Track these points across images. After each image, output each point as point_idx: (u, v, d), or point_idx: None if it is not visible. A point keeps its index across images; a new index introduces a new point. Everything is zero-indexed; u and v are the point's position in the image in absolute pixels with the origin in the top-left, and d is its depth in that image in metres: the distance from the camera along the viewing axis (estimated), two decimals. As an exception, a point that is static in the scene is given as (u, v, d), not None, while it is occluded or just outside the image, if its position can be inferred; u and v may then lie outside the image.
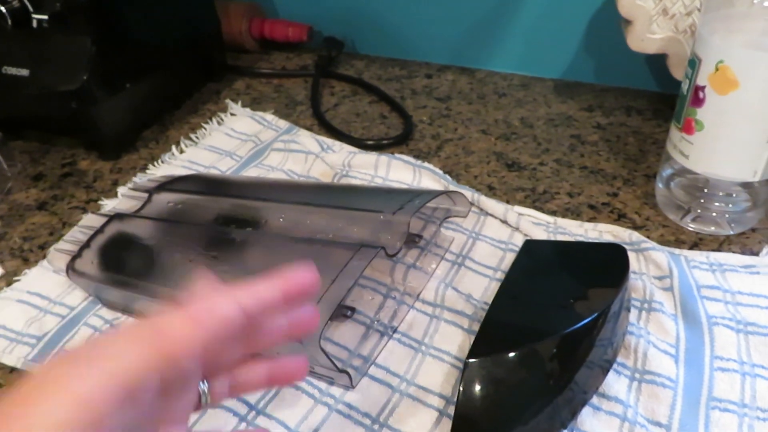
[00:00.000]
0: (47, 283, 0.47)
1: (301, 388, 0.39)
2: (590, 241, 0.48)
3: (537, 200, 0.54)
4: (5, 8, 0.54)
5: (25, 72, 0.57)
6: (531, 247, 0.45)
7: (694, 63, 0.44)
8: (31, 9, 0.55)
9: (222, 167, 0.59)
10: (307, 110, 0.68)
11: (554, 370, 0.35)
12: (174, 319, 0.24)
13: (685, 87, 0.46)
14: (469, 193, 0.52)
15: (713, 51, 0.42)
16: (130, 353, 0.22)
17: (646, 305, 0.42)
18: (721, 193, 0.48)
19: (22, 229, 0.53)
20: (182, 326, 0.24)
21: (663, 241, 0.48)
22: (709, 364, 0.39)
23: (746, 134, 0.44)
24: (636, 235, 0.48)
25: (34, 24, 0.56)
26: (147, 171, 0.59)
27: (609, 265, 0.42)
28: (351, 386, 0.38)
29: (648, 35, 0.55)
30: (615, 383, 0.38)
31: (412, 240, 0.47)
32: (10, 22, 0.55)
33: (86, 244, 0.44)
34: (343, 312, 0.42)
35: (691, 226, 0.50)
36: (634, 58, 0.64)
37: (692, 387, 0.37)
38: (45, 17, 0.55)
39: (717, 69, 0.42)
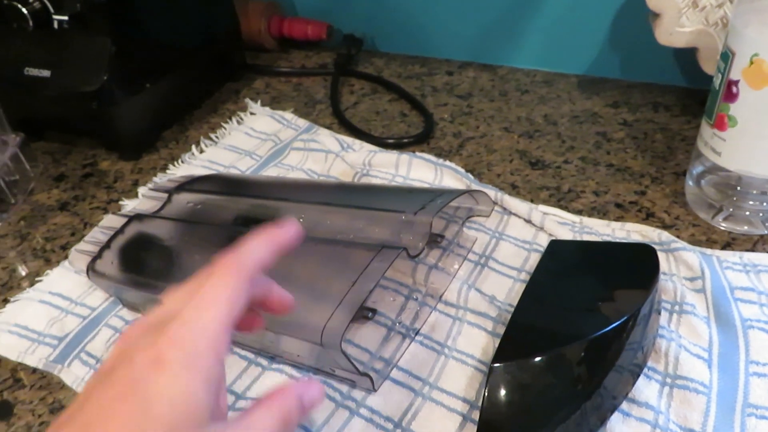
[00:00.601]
0: (69, 283, 0.47)
1: (321, 392, 0.38)
2: (618, 241, 0.46)
3: (562, 199, 0.52)
4: (26, 9, 0.55)
5: (46, 73, 0.57)
6: (556, 247, 0.44)
7: (727, 56, 0.43)
8: (52, 10, 0.55)
9: (242, 167, 0.58)
10: (326, 109, 0.67)
11: (582, 374, 0.34)
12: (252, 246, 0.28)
13: (717, 82, 0.44)
14: (492, 192, 0.51)
15: (747, 44, 0.41)
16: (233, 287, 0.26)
17: (677, 307, 0.41)
18: (754, 191, 0.46)
19: (44, 229, 0.53)
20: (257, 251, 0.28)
21: (694, 241, 0.47)
22: (744, 369, 0.37)
23: (782, 130, 0.42)
24: (665, 235, 0.46)
25: (55, 25, 0.56)
26: (167, 171, 0.59)
27: (638, 266, 0.41)
28: (373, 389, 0.37)
29: (677, 28, 0.54)
30: (645, 388, 0.36)
31: (434, 240, 0.46)
32: (31, 23, 0.55)
33: (106, 245, 0.44)
34: (364, 313, 0.42)
35: (723, 226, 0.48)
36: (661, 53, 0.62)
37: (727, 393, 0.36)
38: (65, 18, 0.55)
39: (751, 63, 0.41)
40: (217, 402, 0.26)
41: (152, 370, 0.23)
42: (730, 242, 0.47)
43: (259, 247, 0.28)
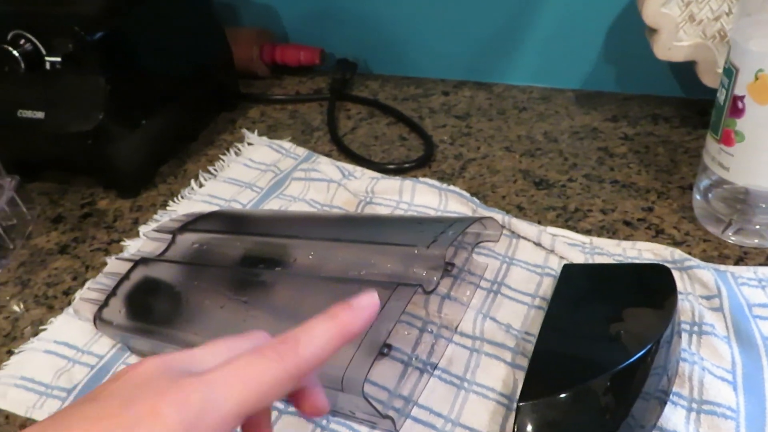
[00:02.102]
0: (74, 331, 0.46)
1: (342, 434, 0.37)
2: (631, 261, 0.46)
3: (569, 219, 0.52)
4: (17, 52, 0.54)
5: (40, 114, 0.57)
6: (571, 272, 0.43)
7: (730, 72, 0.42)
8: (43, 51, 0.55)
9: (243, 200, 0.58)
10: (324, 135, 0.67)
11: (609, 406, 0.33)
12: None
13: (721, 97, 0.44)
14: (499, 216, 0.51)
15: (751, 59, 0.41)
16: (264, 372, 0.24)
17: (696, 328, 0.40)
18: (763, 204, 0.46)
19: (44, 274, 0.52)
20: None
21: (706, 257, 0.46)
22: (770, 390, 0.37)
23: (791, 144, 0.42)
24: (678, 253, 0.46)
25: (47, 66, 0.55)
26: (167, 207, 0.58)
27: (655, 288, 0.40)
28: (395, 431, 0.36)
29: (675, 43, 0.54)
30: (672, 415, 0.36)
31: (445, 269, 0.46)
32: (23, 65, 0.54)
33: (112, 292, 0.43)
34: (380, 350, 0.41)
35: (733, 240, 0.48)
36: (657, 64, 0.62)
37: (755, 417, 0.35)
38: (58, 59, 0.54)
39: (756, 78, 0.40)
40: None
41: (146, 419, 0.21)
42: (742, 257, 0.46)
43: (324, 338, 0.25)
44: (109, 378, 0.25)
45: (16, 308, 0.49)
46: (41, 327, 0.47)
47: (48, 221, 0.58)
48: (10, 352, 0.45)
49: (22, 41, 0.54)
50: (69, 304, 0.48)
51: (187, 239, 0.47)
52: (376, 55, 0.77)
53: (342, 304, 0.26)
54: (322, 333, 0.25)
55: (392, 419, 0.35)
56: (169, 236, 0.47)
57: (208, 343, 0.25)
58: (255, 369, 0.23)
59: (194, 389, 0.22)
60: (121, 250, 0.53)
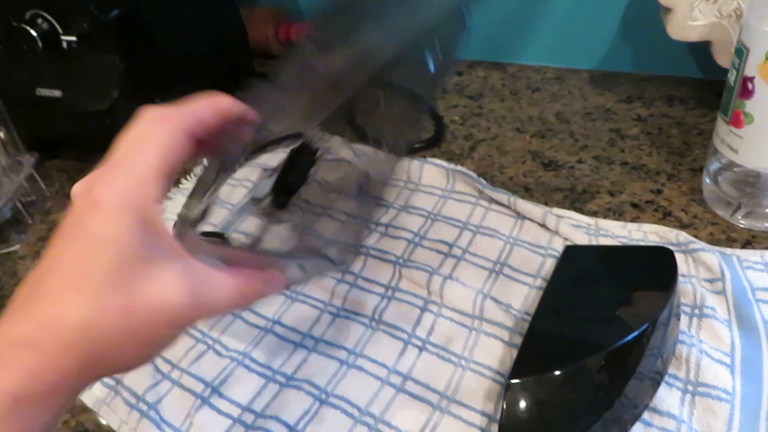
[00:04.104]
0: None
1: (339, 408, 0.38)
2: (635, 244, 0.46)
3: (576, 201, 0.52)
4: (35, 31, 0.55)
5: (57, 93, 0.58)
6: (572, 253, 0.43)
7: (741, 52, 0.42)
8: (60, 31, 0.56)
9: (254, 178, 0.58)
10: (336, 115, 0.67)
11: (602, 385, 0.33)
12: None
13: (732, 78, 0.43)
14: (504, 196, 0.51)
15: (762, 39, 0.40)
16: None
17: (696, 311, 0.40)
18: (774, 188, 0.45)
19: (61, 249, 0.54)
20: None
21: (713, 240, 0.46)
22: (768, 374, 0.36)
23: (801, 126, 0.41)
24: (683, 236, 0.45)
25: (64, 45, 0.56)
26: (180, 185, 0.59)
27: (656, 270, 0.40)
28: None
29: (690, 22, 0.52)
30: (667, 397, 0.36)
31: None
32: (40, 44, 0.56)
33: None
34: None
35: (743, 223, 0.47)
36: (674, 44, 0.61)
37: (751, 400, 0.35)
38: (74, 38, 0.56)
39: (767, 59, 0.40)
40: (166, 243, 0.26)
41: (88, 212, 0.25)
42: (750, 240, 0.46)
43: (198, 103, 0.29)
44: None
45: (33, 281, 0.51)
46: (57, 299, 0.48)
47: (66, 198, 0.60)
48: (28, 323, 0.47)
49: (40, 21, 0.56)
50: (84, 277, 0.50)
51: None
52: (391, 34, 0.77)
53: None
54: (196, 101, 0.30)
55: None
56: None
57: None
58: (147, 135, 0.28)
59: (112, 171, 0.26)
60: (134, 226, 0.55)
